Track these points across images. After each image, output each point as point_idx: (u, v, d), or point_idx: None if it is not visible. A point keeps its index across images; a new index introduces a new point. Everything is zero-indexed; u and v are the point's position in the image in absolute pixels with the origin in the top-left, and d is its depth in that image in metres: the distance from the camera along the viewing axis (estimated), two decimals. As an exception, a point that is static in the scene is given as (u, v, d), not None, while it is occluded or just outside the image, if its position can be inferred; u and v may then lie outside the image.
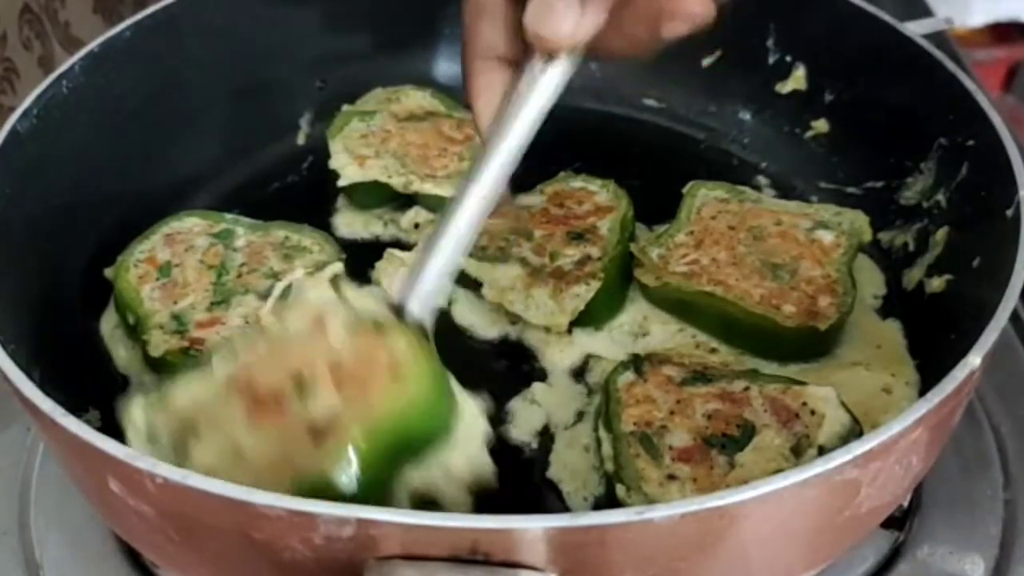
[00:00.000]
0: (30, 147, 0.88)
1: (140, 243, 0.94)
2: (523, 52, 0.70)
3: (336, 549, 0.58)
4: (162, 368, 0.87)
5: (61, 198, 0.91)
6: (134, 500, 0.64)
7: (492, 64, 0.72)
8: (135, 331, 0.89)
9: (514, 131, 0.70)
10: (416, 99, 1.13)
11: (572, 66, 0.69)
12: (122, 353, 0.91)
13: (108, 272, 0.93)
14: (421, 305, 0.71)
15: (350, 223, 1.05)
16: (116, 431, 0.85)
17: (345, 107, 1.11)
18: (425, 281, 0.71)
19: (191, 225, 0.96)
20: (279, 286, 0.82)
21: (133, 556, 0.84)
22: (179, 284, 0.90)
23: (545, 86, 0.69)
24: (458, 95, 1.12)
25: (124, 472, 0.61)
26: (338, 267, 0.82)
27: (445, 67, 1.20)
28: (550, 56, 0.68)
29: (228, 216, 0.97)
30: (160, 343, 0.86)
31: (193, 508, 0.61)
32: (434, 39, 1.20)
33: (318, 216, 1.03)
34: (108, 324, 0.93)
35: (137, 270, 0.92)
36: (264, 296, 0.87)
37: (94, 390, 0.88)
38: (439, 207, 1.02)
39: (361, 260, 0.99)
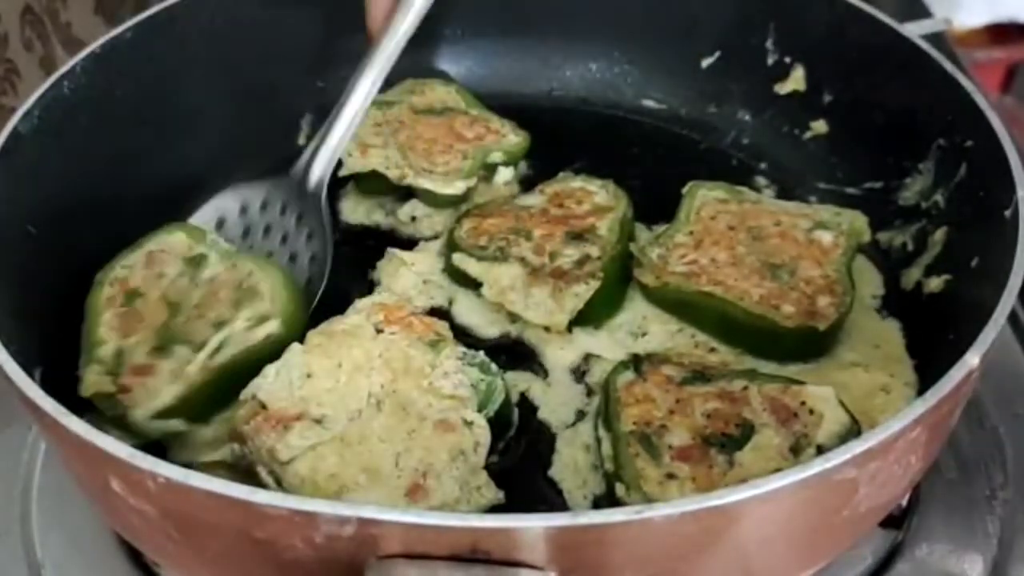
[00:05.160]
0: (31, 148, 0.88)
1: (125, 256, 0.92)
2: None
3: (337, 548, 0.58)
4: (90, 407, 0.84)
5: (62, 198, 0.91)
6: (135, 499, 0.64)
7: None
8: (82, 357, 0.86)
9: (409, 19, 0.93)
10: (440, 93, 1.13)
11: None
12: None
13: (98, 276, 0.91)
14: (322, 167, 0.96)
15: (354, 209, 1.07)
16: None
17: None
18: (326, 147, 0.96)
19: (175, 243, 0.93)
20: (209, 345, 0.84)
21: (134, 555, 0.84)
22: (136, 317, 0.87)
23: None
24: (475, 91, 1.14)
25: (125, 471, 0.62)
26: (272, 326, 0.85)
27: (446, 66, 1.21)
28: None
29: (209, 237, 0.94)
30: (91, 383, 0.83)
31: (194, 507, 0.61)
32: (434, 39, 1.21)
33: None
34: None
35: (111, 289, 0.89)
36: (197, 349, 0.84)
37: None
38: (434, 203, 1.03)
39: (359, 248, 1.01)
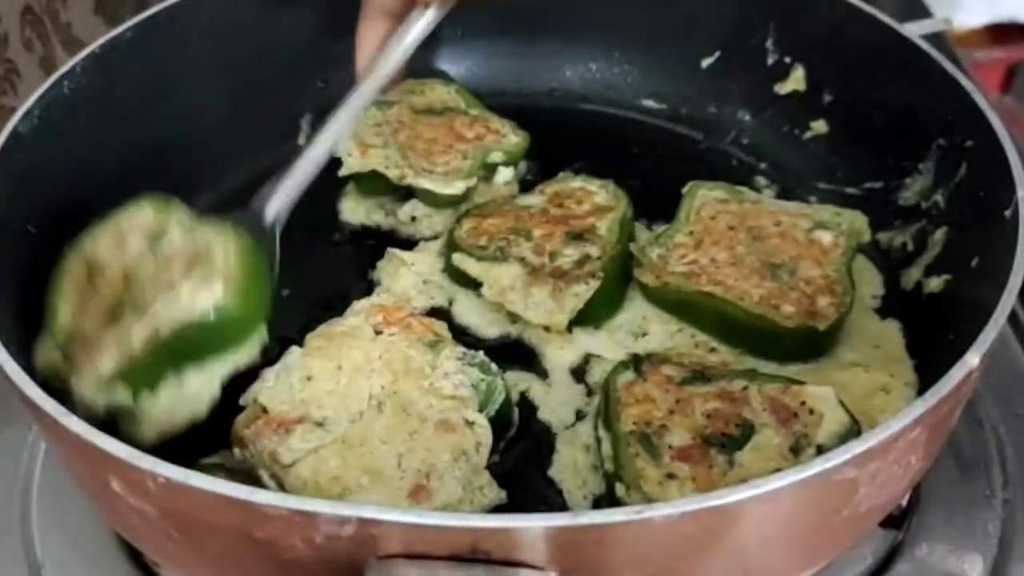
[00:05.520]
0: (31, 148, 0.88)
1: (92, 233, 0.86)
2: (406, 6, 0.92)
3: (337, 548, 0.58)
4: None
5: (62, 199, 0.91)
6: (135, 499, 0.64)
7: (381, 17, 0.94)
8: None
9: (390, 64, 0.92)
10: (439, 93, 1.13)
11: (444, 12, 0.92)
12: None
13: (64, 254, 0.86)
14: (280, 203, 0.89)
15: (354, 209, 1.07)
16: (118, 430, 0.86)
17: None
18: (287, 187, 0.89)
19: (142, 217, 0.86)
20: (152, 310, 0.78)
21: (134, 555, 0.84)
22: (93, 292, 0.83)
23: (420, 29, 0.91)
24: (475, 91, 1.14)
25: (125, 471, 0.62)
26: (216, 291, 0.79)
27: (446, 66, 1.21)
28: (426, 5, 0.90)
29: (174, 209, 0.87)
30: (42, 358, 0.80)
31: (194, 507, 0.61)
32: (434, 39, 1.20)
33: (325, 200, 1.04)
34: None
35: (75, 265, 0.84)
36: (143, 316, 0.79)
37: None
38: (434, 203, 1.03)
39: (359, 248, 1.02)
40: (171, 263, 0.82)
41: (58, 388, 0.77)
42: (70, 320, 0.81)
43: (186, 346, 0.78)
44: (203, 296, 0.78)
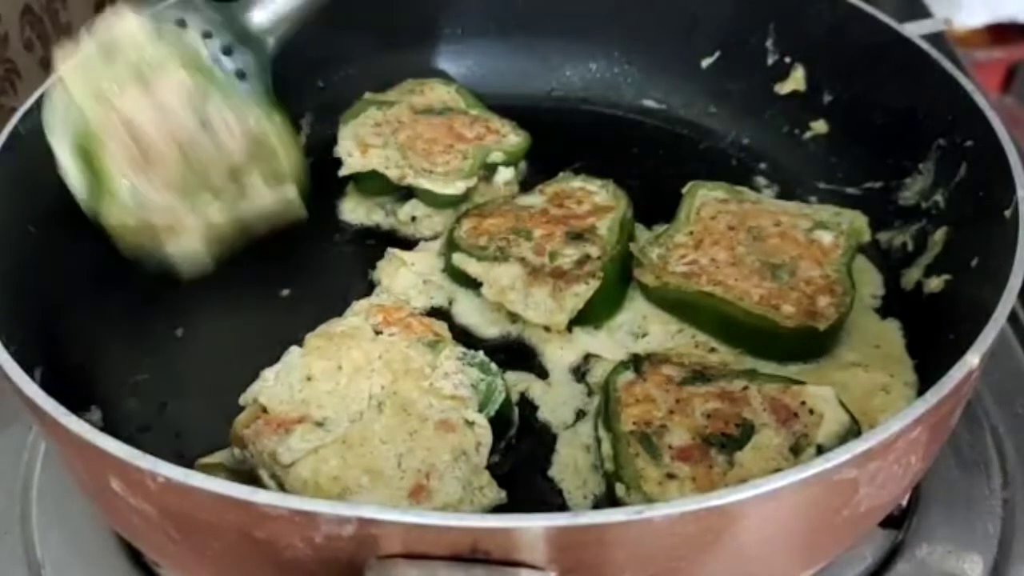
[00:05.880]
0: (32, 148, 0.88)
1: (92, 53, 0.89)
2: None
3: (337, 548, 0.58)
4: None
5: (62, 198, 0.91)
6: (135, 499, 0.64)
7: None
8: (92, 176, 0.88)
9: None
10: (440, 93, 1.13)
11: None
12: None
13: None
14: (265, 19, 0.88)
15: (354, 209, 1.07)
16: (117, 430, 0.86)
17: (367, 95, 1.12)
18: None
19: (164, 55, 0.89)
20: (231, 197, 0.92)
21: (134, 555, 0.84)
22: (145, 156, 0.86)
23: None
24: (475, 91, 1.14)
25: (125, 471, 0.62)
26: (291, 192, 0.95)
27: (446, 66, 1.21)
28: None
29: (205, 58, 0.91)
30: (112, 212, 0.88)
31: (194, 507, 0.61)
32: (434, 39, 1.21)
33: (325, 200, 1.04)
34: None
35: (101, 110, 0.86)
36: (216, 195, 0.92)
37: (95, 389, 0.89)
38: (434, 203, 1.03)
39: (359, 248, 1.02)
40: (229, 146, 0.92)
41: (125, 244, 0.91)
42: (130, 183, 0.88)
43: (254, 223, 0.94)
44: (280, 193, 0.94)
